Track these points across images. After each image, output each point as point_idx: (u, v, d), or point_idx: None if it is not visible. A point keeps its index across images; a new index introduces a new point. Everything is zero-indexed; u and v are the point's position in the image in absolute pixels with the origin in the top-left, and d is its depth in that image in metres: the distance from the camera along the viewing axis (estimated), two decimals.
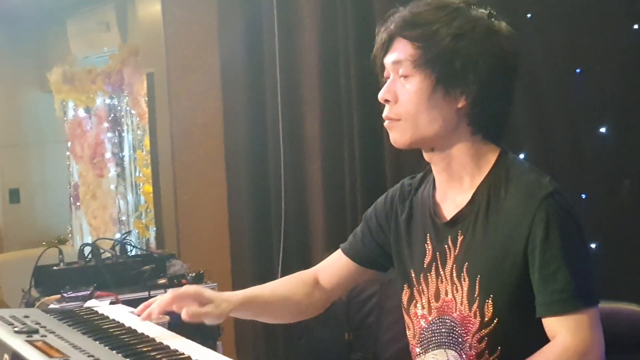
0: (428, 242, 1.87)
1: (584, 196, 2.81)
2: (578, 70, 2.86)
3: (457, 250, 1.80)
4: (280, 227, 4.12)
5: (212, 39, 4.58)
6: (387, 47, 1.84)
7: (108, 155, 6.26)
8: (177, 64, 4.59)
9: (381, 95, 1.84)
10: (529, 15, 2.97)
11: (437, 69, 1.76)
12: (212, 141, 4.60)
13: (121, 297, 3.03)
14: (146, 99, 5.17)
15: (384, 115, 1.85)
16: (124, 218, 6.13)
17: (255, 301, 2.06)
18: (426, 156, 1.87)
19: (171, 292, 1.98)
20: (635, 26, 2.67)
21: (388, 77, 1.85)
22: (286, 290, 2.11)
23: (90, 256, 3.47)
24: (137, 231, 5.81)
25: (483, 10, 1.81)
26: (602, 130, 2.78)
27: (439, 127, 1.79)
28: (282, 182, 4.10)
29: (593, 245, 2.73)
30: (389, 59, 1.83)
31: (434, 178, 1.91)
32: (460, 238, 1.80)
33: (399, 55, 1.81)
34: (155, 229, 5.12)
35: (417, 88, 1.78)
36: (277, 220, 4.17)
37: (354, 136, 3.64)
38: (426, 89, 1.78)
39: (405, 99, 1.80)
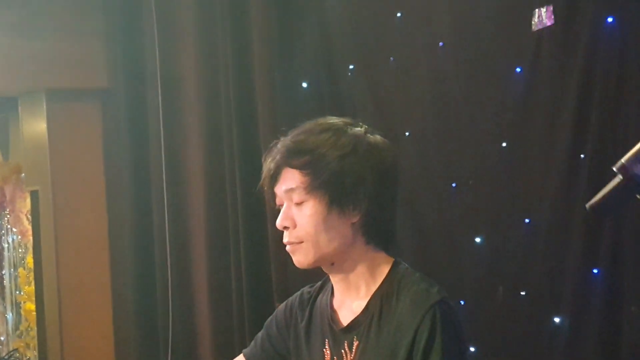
0: (326, 346, 1.95)
1: (462, 302, 2.95)
2: (453, 185, 3.04)
3: (352, 355, 1.89)
4: (167, 343, 4.12)
5: (97, 154, 4.65)
6: (275, 177, 1.91)
7: None
8: (63, 181, 4.62)
9: (279, 223, 1.91)
10: (407, 133, 3.15)
11: (329, 190, 1.85)
12: (98, 256, 4.61)
13: None
14: (29, 216, 5.14)
15: (285, 241, 1.92)
16: (2, 338, 5.95)
17: None
18: (326, 270, 1.97)
19: None
20: (504, 144, 2.87)
21: (280, 204, 1.93)
22: None
23: None
24: (17, 350, 5.65)
25: (359, 129, 1.92)
26: (478, 239, 2.95)
27: (338, 244, 1.89)
28: (170, 296, 4.12)
29: (472, 349, 2.86)
30: (280, 189, 1.91)
31: (332, 286, 2.00)
32: (355, 343, 1.89)
33: (289, 184, 1.88)
34: (37, 347, 5.01)
35: (313, 212, 1.87)
36: (165, 336, 4.17)
37: (239, 242, 3.71)
38: (322, 211, 1.86)
39: (303, 222, 1.88)
